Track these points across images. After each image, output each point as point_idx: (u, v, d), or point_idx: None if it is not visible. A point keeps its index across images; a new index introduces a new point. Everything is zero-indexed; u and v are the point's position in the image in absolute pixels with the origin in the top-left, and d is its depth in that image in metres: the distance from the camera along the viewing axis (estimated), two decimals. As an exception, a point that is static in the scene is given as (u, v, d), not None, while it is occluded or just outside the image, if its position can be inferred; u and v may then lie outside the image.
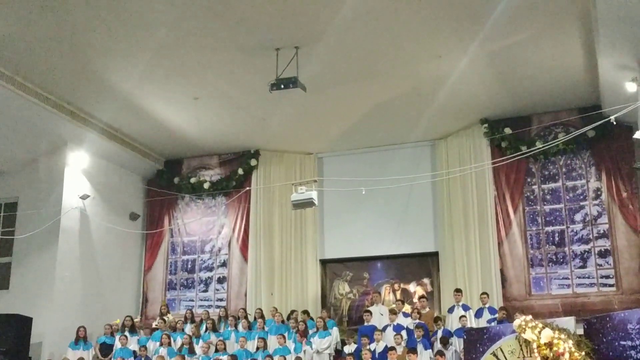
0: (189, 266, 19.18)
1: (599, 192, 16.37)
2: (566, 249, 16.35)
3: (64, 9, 12.07)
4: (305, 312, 16.23)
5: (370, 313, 15.61)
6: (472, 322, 14.85)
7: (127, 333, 16.06)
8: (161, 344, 15.52)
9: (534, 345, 9.55)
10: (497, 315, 14.75)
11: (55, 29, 12.69)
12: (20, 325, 15.09)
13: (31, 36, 12.92)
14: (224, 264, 18.88)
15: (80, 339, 15.75)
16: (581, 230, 16.35)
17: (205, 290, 18.88)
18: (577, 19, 12.49)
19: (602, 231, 16.16)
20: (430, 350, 14.10)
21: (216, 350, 15.23)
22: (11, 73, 14.24)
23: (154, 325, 16.82)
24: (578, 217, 16.43)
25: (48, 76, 14.53)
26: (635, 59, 12.41)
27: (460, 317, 14.74)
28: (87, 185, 17.31)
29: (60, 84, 14.91)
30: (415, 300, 16.93)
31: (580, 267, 16.15)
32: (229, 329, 16.18)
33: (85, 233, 17.18)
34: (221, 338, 15.68)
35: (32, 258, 16.27)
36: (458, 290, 15.62)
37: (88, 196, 17.10)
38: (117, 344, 15.80)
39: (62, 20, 12.43)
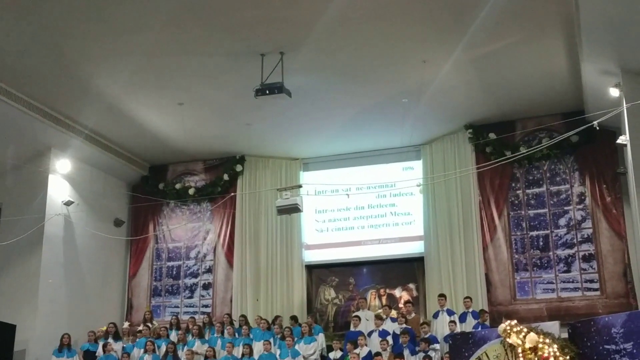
0: (174, 272, 19.09)
1: (582, 197, 16.45)
2: (550, 253, 16.40)
3: (48, 14, 11.99)
4: (293, 317, 16.19)
5: (359, 318, 15.61)
6: (458, 327, 14.87)
7: (111, 340, 15.97)
8: (145, 351, 15.44)
9: (519, 350, 9.58)
10: (479, 319, 14.84)
11: (38, 34, 12.61)
12: (4, 333, 14.95)
13: (14, 41, 12.83)
14: (209, 270, 18.80)
15: (65, 347, 15.59)
16: (565, 234, 16.42)
17: (191, 297, 18.80)
18: (561, 25, 12.57)
19: (586, 236, 16.23)
20: (416, 355, 14.10)
21: (206, 358, 15.17)
22: (-6, 79, 14.18)
23: (138, 329, 16.76)
24: (562, 221, 16.50)
25: (31, 82, 14.43)
26: (618, 65, 12.50)
27: (449, 323, 14.74)
28: (71, 192, 17.21)
29: (44, 90, 14.82)
30: (400, 305, 16.93)
31: (565, 272, 16.22)
32: (215, 335, 16.11)
33: (69, 239, 17.07)
34: (207, 345, 15.59)
35: (16, 265, 16.13)
36: (442, 296, 15.65)
37: (72, 202, 16.99)
38: (100, 352, 15.70)
39: (45, 26, 12.36)
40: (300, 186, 15.92)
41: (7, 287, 16.08)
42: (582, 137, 15.74)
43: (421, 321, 15.43)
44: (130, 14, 12.03)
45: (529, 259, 16.53)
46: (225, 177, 18.90)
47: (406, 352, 14.07)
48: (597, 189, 16.21)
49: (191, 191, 19.11)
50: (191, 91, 15.06)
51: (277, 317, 16.38)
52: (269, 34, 12.75)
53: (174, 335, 16.29)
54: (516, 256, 16.64)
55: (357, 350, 14.20)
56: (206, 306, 18.52)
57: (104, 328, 16.47)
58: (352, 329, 15.56)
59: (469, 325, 14.85)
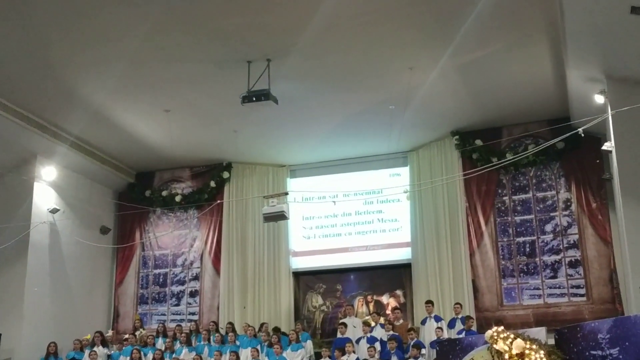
0: (161, 280, 19.01)
1: (568, 203, 16.52)
2: (537, 259, 16.46)
3: (33, 21, 11.93)
4: (276, 329, 15.92)
5: (345, 325, 15.57)
6: (446, 333, 14.87)
7: (96, 348, 15.85)
8: (132, 359, 15.36)
9: (506, 356, 9.59)
10: (464, 325, 14.84)
11: (24, 40, 12.54)
12: (-11, 342, 14.89)
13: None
14: (196, 278, 18.74)
15: (51, 355, 15.50)
16: (552, 240, 16.48)
17: (177, 304, 18.72)
18: (546, 32, 12.63)
19: (572, 241, 16.30)
20: (404, 361, 14.12)
21: (193, 366, 15.14)
22: (-21, 86, 14.08)
23: (125, 337, 16.66)
24: (548, 227, 16.57)
25: (16, 89, 14.33)
26: (603, 72, 12.57)
27: (436, 329, 14.74)
28: (57, 199, 17.11)
29: (30, 97, 14.74)
30: (388, 312, 16.93)
31: (551, 278, 16.27)
32: (202, 343, 16.04)
33: (55, 247, 16.95)
34: (195, 353, 15.52)
35: (1, 273, 15.99)
36: (429, 302, 15.62)
37: (58, 210, 16.89)
38: (86, 359, 15.61)
39: (31, 32, 12.28)
40: (286, 193, 15.92)
41: (-8, 295, 15.99)
42: (567, 144, 15.83)
43: (409, 327, 15.43)
44: (115, 21, 11.99)
45: (516, 265, 16.58)
46: (212, 184, 18.87)
47: (394, 359, 14.06)
48: (583, 195, 16.30)
49: (178, 198, 19.05)
50: (178, 98, 15.03)
51: (263, 324, 16.31)
52: (256, 41, 12.74)
53: (160, 343, 16.20)
54: (503, 262, 16.68)
55: (344, 357, 14.18)
56: (193, 314, 18.45)
57: (88, 336, 16.36)
58: (339, 336, 15.53)
59: (458, 331, 14.85)
